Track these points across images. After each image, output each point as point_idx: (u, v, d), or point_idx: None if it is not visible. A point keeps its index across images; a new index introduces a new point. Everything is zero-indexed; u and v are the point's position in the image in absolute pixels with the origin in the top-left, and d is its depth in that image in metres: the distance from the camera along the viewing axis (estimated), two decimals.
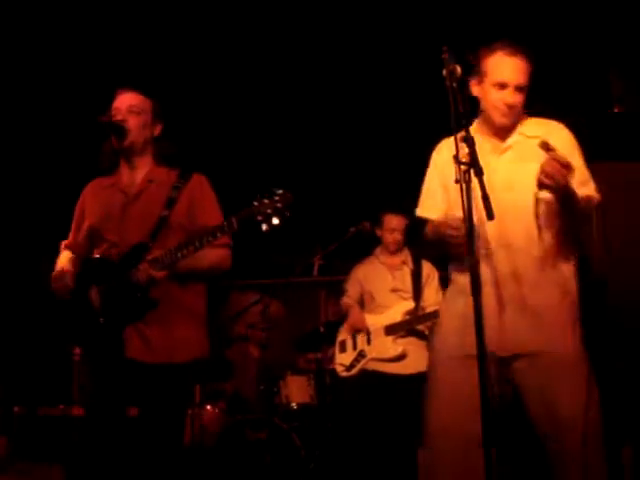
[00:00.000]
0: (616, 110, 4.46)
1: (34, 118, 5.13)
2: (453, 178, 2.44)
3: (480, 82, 2.53)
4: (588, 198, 2.46)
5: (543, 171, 2.26)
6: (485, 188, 2.18)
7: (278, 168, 6.08)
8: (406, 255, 4.57)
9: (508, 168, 2.52)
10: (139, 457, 2.60)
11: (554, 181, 2.25)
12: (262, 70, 5.27)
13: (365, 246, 4.71)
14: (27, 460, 4.67)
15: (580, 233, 2.61)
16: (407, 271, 4.50)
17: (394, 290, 4.48)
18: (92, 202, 2.86)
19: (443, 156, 2.64)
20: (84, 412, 2.76)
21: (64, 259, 2.88)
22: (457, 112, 2.26)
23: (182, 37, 4.89)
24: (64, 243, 2.96)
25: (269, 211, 2.49)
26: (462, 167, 2.18)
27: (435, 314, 4.22)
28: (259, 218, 2.50)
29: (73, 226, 2.92)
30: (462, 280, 2.51)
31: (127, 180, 2.81)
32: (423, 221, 2.75)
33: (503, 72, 2.46)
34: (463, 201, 2.16)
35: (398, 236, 4.50)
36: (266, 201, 2.51)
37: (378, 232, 4.57)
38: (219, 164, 5.87)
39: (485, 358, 2.11)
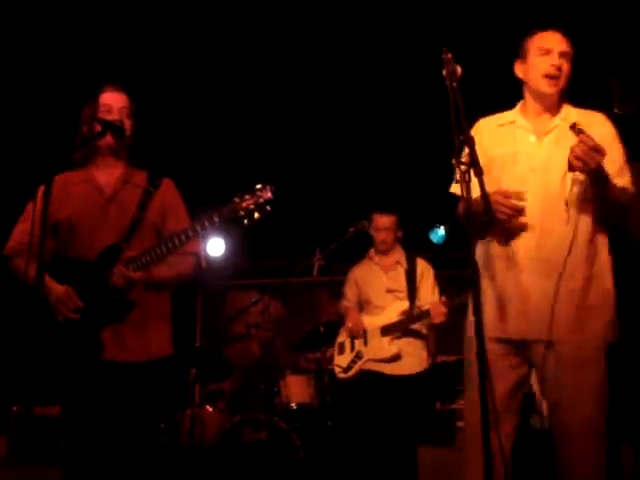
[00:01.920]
0: (616, 112, 4.46)
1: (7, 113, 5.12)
2: (493, 156, 2.55)
3: (524, 61, 2.62)
4: (623, 189, 2.49)
5: (573, 152, 2.30)
6: (484, 188, 2.19)
7: (277, 169, 6.09)
8: (400, 255, 4.57)
9: (548, 150, 2.54)
10: (122, 455, 2.59)
11: (584, 163, 2.29)
12: (261, 69, 5.27)
13: (364, 246, 4.71)
14: (25, 460, 4.68)
15: (617, 222, 2.60)
16: (401, 271, 4.50)
17: (389, 290, 4.47)
18: (62, 199, 2.74)
19: (483, 135, 2.64)
20: (63, 411, 2.72)
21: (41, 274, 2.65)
22: (457, 112, 2.27)
23: (161, 36, 4.88)
24: (16, 246, 2.78)
25: (251, 206, 2.53)
26: (462, 167, 2.19)
27: (429, 313, 4.22)
28: (241, 214, 2.53)
29: (30, 227, 2.65)
30: (497, 256, 2.55)
31: (102, 179, 2.78)
32: (457, 198, 2.71)
33: (546, 40, 2.57)
34: (463, 201, 2.17)
35: (386, 235, 4.51)
36: (247, 196, 2.54)
37: (370, 232, 4.58)
38: (215, 164, 5.91)
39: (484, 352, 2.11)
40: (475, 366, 2.44)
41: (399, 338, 4.34)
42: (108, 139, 2.72)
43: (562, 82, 2.57)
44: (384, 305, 4.46)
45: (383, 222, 4.51)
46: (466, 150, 2.19)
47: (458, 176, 2.19)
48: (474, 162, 2.18)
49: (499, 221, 2.48)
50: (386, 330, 4.36)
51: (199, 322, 7.42)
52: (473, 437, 2.36)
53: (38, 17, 4.58)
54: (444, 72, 2.37)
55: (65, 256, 2.74)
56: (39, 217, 2.62)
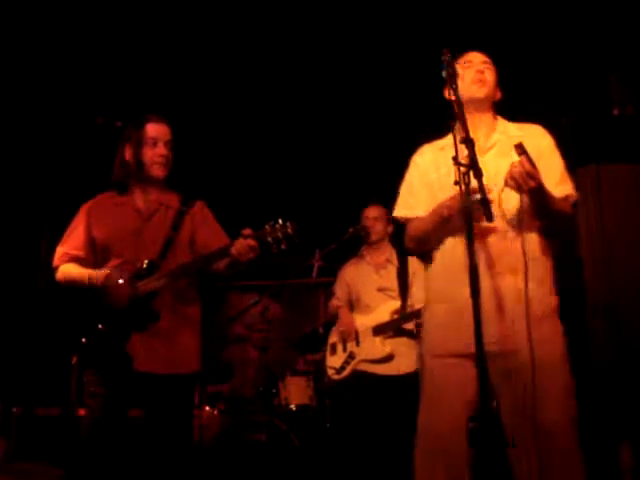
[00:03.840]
0: (616, 113, 4.47)
1: (35, 116, 5.16)
2: (436, 179, 2.63)
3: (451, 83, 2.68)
4: (565, 198, 2.58)
5: (510, 171, 2.37)
6: (485, 190, 2.20)
7: (277, 169, 6.09)
8: (391, 253, 4.53)
9: (493, 163, 2.57)
10: (144, 461, 2.67)
11: (517, 184, 2.35)
12: (259, 72, 5.28)
13: (361, 245, 4.70)
14: (26, 461, 4.66)
15: (559, 230, 2.67)
16: (392, 269, 4.46)
17: (380, 289, 4.43)
18: (102, 218, 2.93)
19: (425, 158, 2.80)
20: (93, 417, 2.79)
21: (80, 269, 2.88)
22: (456, 113, 2.28)
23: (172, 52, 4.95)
24: (62, 257, 2.96)
25: (280, 235, 2.65)
26: (462, 169, 2.19)
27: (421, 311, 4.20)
28: (269, 240, 2.66)
29: (77, 240, 2.94)
30: (447, 272, 2.60)
31: (140, 202, 2.93)
32: (402, 223, 2.85)
33: (467, 57, 2.75)
34: (463, 202, 2.17)
35: (375, 224, 4.49)
36: (278, 226, 2.66)
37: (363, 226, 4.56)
38: (215, 165, 5.90)
39: (484, 357, 2.11)
40: (432, 380, 2.57)
41: (391, 338, 4.29)
42: (153, 172, 2.88)
43: (489, 87, 2.68)
44: (375, 304, 4.41)
45: (371, 212, 4.51)
46: (465, 152, 2.20)
47: (457, 177, 2.19)
48: (474, 163, 2.18)
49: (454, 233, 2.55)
50: (378, 330, 4.31)
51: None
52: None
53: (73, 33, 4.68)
54: (444, 73, 2.38)
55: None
56: (84, 232, 2.92)
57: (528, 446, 2.39)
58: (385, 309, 4.35)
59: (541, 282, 2.53)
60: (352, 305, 4.57)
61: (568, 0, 4.47)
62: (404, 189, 2.87)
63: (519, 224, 2.50)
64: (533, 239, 2.55)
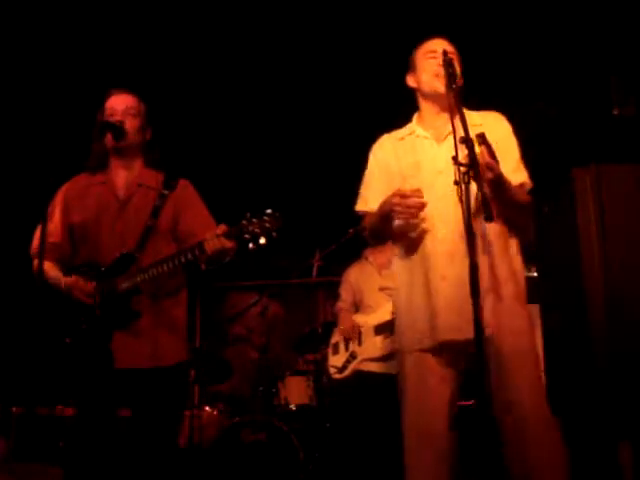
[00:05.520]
0: (616, 113, 4.47)
1: (24, 114, 5.15)
2: (398, 171, 2.61)
3: (414, 71, 2.71)
4: (521, 185, 2.56)
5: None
6: (484, 190, 2.19)
7: (277, 170, 6.09)
8: (393, 253, 4.56)
9: (450, 151, 2.53)
10: (133, 457, 2.62)
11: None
12: (259, 73, 5.28)
13: (364, 247, 4.71)
14: (26, 461, 4.67)
15: (520, 219, 2.65)
16: None
17: (382, 289, 4.46)
18: (78, 200, 2.82)
19: (385, 149, 2.75)
20: (77, 414, 2.75)
21: (56, 271, 2.78)
22: (456, 112, 2.28)
23: (173, 42, 4.93)
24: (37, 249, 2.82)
25: (257, 231, 2.53)
26: (461, 169, 2.18)
27: None
28: (246, 237, 2.54)
29: (54, 225, 2.80)
30: (408, 266, 2.66)
31: (118, 182, 2.82)
32: (362, 216, 2.81)
33: (431, 44, 2.67)
34: (462, 202, 2.16)
35: None
36: (255, 220, 2.54)
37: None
38: (215, 165, 5.90)
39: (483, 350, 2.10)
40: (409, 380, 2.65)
41: (392, 336, 4.32)
42: (108, 139, 2.76)
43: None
44: (377, 304, 4.45)
45: None
46: (465, 151, 2.20)
47: (457, 177, 2.19)
48: (474, 163, 2.18)
49: (410, 226, 2.56)
50: (379, 329, 4.34)
51: (198, 323, 7.42)
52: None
53: (60, 24, 4.65)
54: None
55: (78, 260, 2.79)
56: (60, 217, 2.80)
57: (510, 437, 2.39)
58: (387, 308, 4.37)
59: (505, 269, 2.51)
60: (357, 306, 4.59)
61: (569, 1, 4.47)
62: (364, 183, 2.84)
63: (478, 211, 2.42)
64: (493, 226, 2.49)
